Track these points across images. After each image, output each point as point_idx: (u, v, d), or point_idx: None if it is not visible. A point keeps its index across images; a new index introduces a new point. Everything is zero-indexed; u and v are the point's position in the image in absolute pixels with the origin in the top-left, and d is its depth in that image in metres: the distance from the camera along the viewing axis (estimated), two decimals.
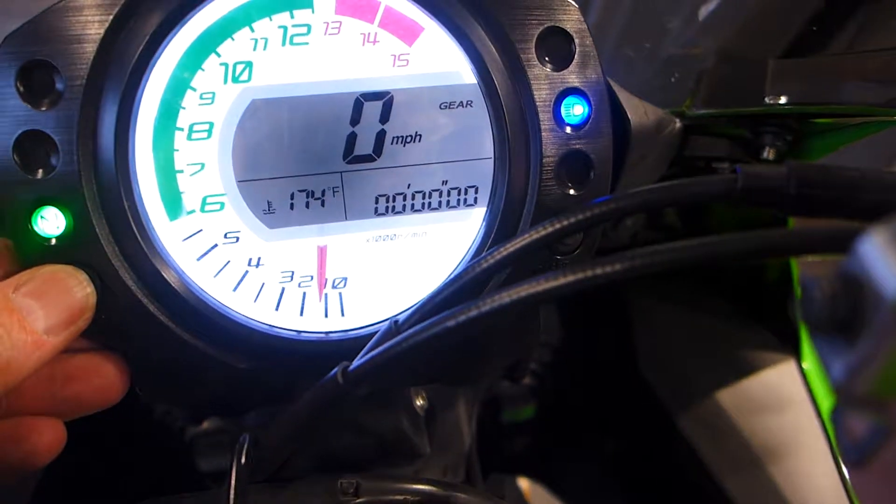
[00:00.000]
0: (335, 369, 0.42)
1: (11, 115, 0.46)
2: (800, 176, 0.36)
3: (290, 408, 0.46)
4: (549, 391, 1.00)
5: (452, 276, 0.43)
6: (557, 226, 0.40)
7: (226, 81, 0.49)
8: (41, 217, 0.47)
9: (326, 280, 0.54)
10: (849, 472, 0.69)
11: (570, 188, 0.52)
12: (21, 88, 0.46)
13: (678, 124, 0.66)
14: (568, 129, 0.52)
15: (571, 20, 0.51)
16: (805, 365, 0.91)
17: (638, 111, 0.59)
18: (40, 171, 0.47)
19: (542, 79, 0.51)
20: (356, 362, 0.42)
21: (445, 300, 0.42)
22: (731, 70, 0.66)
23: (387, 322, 0.44)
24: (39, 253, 0.47)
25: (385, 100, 0.51)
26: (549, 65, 0.51)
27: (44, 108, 0.46)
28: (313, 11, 0.51)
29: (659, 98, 0.65)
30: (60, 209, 0.47)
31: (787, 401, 0.89)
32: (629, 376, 1.00)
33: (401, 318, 0.44)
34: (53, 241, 0.47)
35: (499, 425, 0.99)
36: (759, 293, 0.96)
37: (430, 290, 0.54)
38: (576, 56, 0.51)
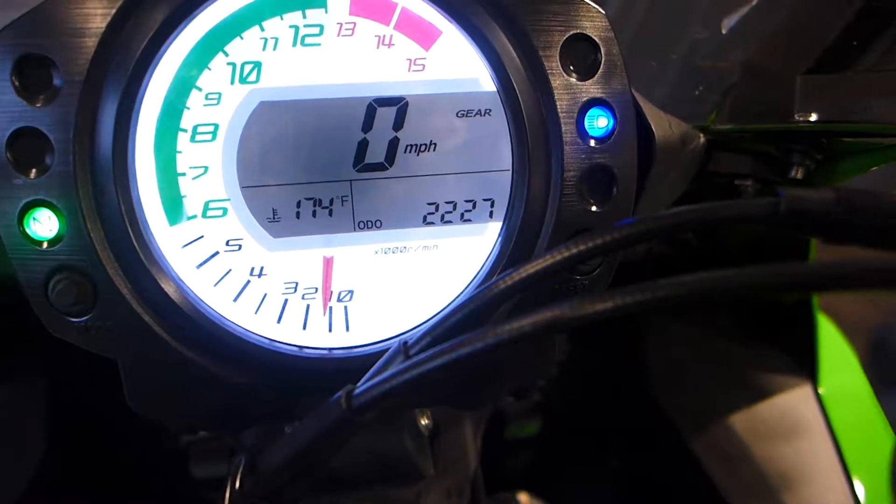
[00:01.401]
0: (339, 393, 0.40)
1: (5, 111, 0.43)
2: (849, 202, 0.34)
3: (290, 431, 0.43)
4: (554, 407, 0.97)
5: (465, 296, 0.40)
6: (582, 248, 0.37)
7: (233, 82, 0.47)
8: (33, 219, 0.45)
9: (332, 293, 0.52)
10: None
11: (592, 204, 0.50)
12: (16, 83, 0.43)
13: (702, 139, 0.64)
14: (592, 142, 0.49)
15: (598, 27, 0.49)
16: (821, 390, 0.88)
17: (662, 125, 0.57)
18: (33, 170, 0.44)
19: (566, 88, 0.48)
20: (361, 386, 0.39)
21: (458, 323, 0.39)
22: (758, 85, 0.63)
23: (394, 343, 0.42)
24: (30, 257, 0.45)
25: (399, 106, 0.49)
26: (573, 74, 0.49)
27: (39, 105, 0.43)
28: (326, 11, 0.48)
29: (682, 111, 0.63)
30: (53, 211, 0.45)
31: (802, 426, 0.86)
32: (638, 394, 0.97)
33: (409, 339, 0.42)
34: (45, 245, 0.45)
35: (502, 441, 0.96)
36: (775, 315, 0.94)
37: (440, 307, 0.52)
38: (602, 65, 0.49)
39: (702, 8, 0.69)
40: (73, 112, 0.43)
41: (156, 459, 0.81)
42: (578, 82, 0.49)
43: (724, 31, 0.69)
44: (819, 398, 0.86)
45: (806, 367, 0.87)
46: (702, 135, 0.64)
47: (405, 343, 0.42)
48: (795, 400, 0.87)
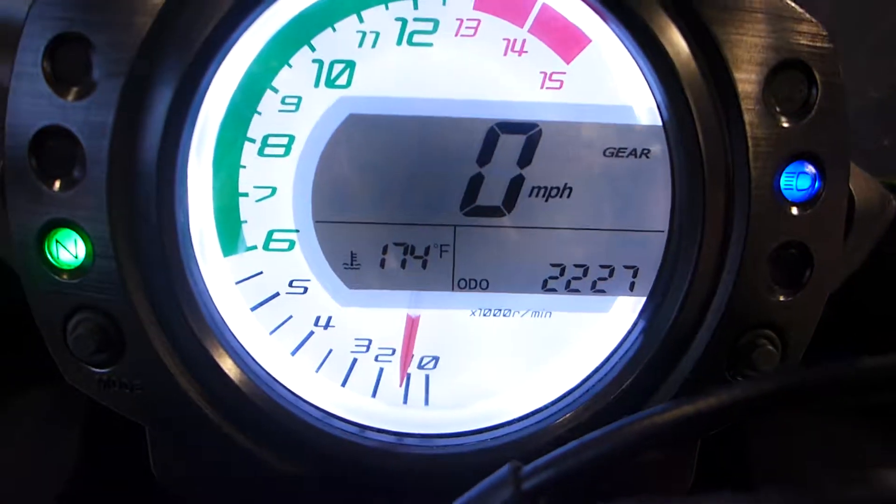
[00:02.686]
0: None
1: (33, 103, 0.35)
2: None
3: None
4: None
5: (602, 431, 0.29)
6: (773, 390, 0.25)
7: (317, 84, 0.40)
8: (57, 241, 0.36)
9: (413, 357, 0.43)
10: None
11: (779, 293, 0.37)
12: (47, 69, 0.34)
13: (894, 203, 0.50)
14: (793, 210, 0.36)
15: (818, 53, 0.36)
16: None
17: (860, 184, 0.44)
18: (58, 181, 0.35)
19: (766, 130, 0.36)
20: None
21: (589, 464, 0.28)
22: None
23: (504, 469, 0.31)
24: (48, 287, 0.36)
25: (530, 134, 0.39)
26: (778, 113, 0.36)
27: (70, 99, 0.34)
28: (444, 3, 0.39)
29: (862, 165, 0.49)
30: (80, 234, 0.36)
31: None
32: (735, 468, 0.85)
33: (525, 469, 0.30)
34: (66, 276, 0.36)
35: None
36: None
37: (545, 396, 0.42)
38: (817, 105, 0.36)
39: None
40: (112, 111, 0.35)
41: None
42: (784, 125, 0.36)
43: None
44: None
45: None
46: (893, 197, 0.50)
47: (517, 470, 0.31)
48: None
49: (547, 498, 0.30)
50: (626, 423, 0.29)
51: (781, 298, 0.37)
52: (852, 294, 0.59)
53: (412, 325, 0.42)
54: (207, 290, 0.40)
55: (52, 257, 0.36)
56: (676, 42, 0.36)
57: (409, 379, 0.43)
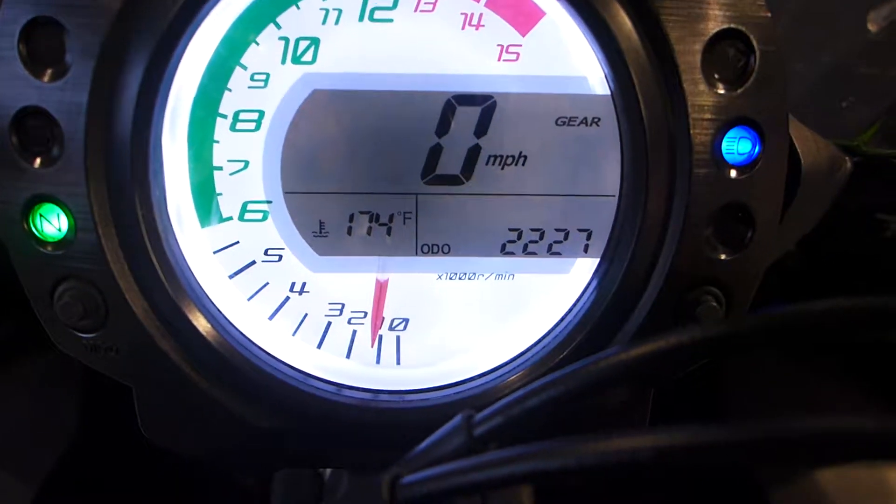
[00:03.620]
0: (380, 476, 0.31)
1: (11, 85, 0.36)
2: None
3: None
4: None
5: (551, 376, 0.31)
6: (714, 337, 0.27)
7: (284, 61, 0.40)
8: (41, 215, 0.38)
9: (383, 319, 0.44)
10: None
11: (721, 251, 0.39)
12: (23, 52, 0.36)
13: (849, 164, 0.51)
14: (732, 173, 0.38)
15: (757, 22, 0.37)
16: None
17: (809, 146, 0.45)
18: (38, 159, 0.37)
19: (705, 98, 0.37)
20: (410, 477, 0.30)
21: (537, 410, 0.31)
22: None
23: (457, 417, 0.33)
24: (34, 259, 0.38)
25: (485, 106, 0.40)
26: (717, 81, 0.37)
27: (46, 80, 0.36)
28: None
29: (819, 126, 0.50)
30: (62, 208, 0.38)
31: None
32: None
33: (474, 414, 0.33)
34: (51, 248, 0.38)
35: None
36: (880, 366, 0.81)
37: (507, 353, 0.43)
38: (755, 73, 0.37)
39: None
40: (86, 91, 0.36)
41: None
42: (722, 93, 0.37)
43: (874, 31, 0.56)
44: None
45: None
46: (848, 159, 0.51)
47: (469, 418, 0.33)
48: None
49: (498, 443, 0.33)
50: (567, 371, 0.31)
51: (723, 257, 0.39)
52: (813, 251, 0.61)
53: (381, 288, 0.43)
54: (185, 260, 0.41)
55: (37, 230, 0.38)
56: (619, 17, 0.37)
57: (380, 340, 0.44)
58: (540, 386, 0.32)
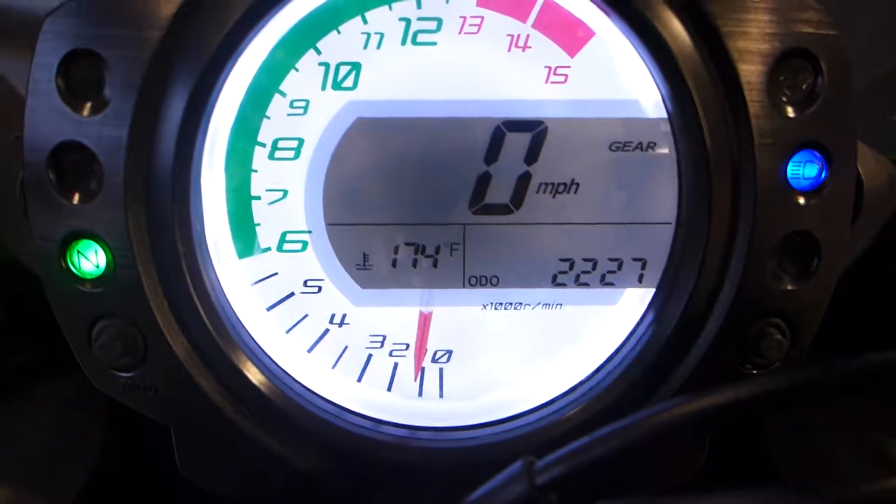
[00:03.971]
0: None
1: (50, 119, 0.35)
2: None
3: None
4: None
5: (619, 424, 0.29)
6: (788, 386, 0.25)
7: (324, 87, 0.39)
8: (78, 252, 0.37)
9: (426, 352, 0.43)
10: None
11: (786, 281, 0.37)
12: (61, 85, 0.34)
13: None
14: (800, 199, 0.36)
15: (824, 41, 0.35)
16: None
17: (870, 166, 0.43)
18: (77, 195, 0.36)
19: (771, 121, 0.35)
20: None
21: (601, 460, 0.29)
22: None
23: (516, 465, 0.31)
24: (72, 296, 0.37)
25: (536, 132, 0.39)
26: (784, 103, 0.36)
27: (85, 114, 0.35)
28: (447, 1, 0.39)
29: (871, 142, 0.49)
30: (100, 245, 0.36)
31: None
32: (747, 446, 0.84)
33: (535, 462, 0.31)
34: (89, 285, 0.37)
35: None
36: None
37: (557, 387, 0.42)
38: (823, 94, 0.35)
39: None
40: (126, 125, 0.35)
41: None
42: (790, 115, 0.35)
43: None
44: None
45: None
46: None
47: (530, 465, 0.31)
48: None
49: (559, 492, 0.31)
50: (638, 420, 0.29)
51: (789, 287, 0.37)
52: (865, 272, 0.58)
53: (425, 320, 0.42)
54: (224, 293, 0.40)
55: (75, 267, 0.37)
56: (679, 35, 0.35)
57: (423, 373, 0.43)
58: (607, 434, 0.30)
